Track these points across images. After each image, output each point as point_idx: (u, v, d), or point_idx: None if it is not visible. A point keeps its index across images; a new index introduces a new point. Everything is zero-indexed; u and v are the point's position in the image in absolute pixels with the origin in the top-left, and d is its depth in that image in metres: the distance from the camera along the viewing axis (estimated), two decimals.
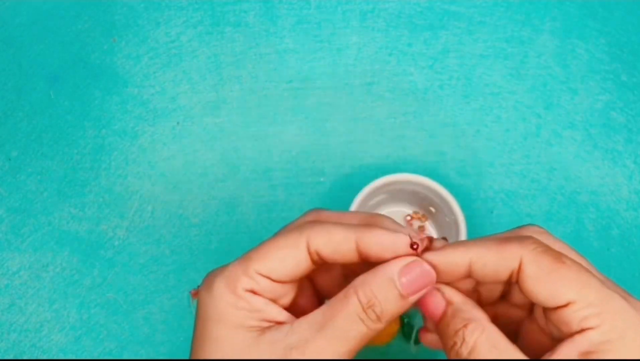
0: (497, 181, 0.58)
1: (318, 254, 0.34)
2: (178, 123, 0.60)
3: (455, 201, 0.51)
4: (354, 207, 0.51)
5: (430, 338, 0.37)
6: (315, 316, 0.33)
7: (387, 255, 0.33)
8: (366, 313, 0.33)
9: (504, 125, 0.59)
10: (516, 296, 0.37)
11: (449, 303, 0.34)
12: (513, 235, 0.35)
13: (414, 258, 0.34)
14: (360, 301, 0.33)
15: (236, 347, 0.33)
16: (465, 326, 0.33)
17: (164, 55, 0.62)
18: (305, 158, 0.59)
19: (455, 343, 0.33)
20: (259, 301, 0.34)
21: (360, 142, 0.59)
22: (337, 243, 0.34)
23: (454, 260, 0.34)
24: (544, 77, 0.60)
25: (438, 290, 0.34)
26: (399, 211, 0.56)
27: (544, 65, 0.61)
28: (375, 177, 0.54)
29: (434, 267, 0.34)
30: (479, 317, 0.33)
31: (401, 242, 0.34)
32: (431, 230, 0.55)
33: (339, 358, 0.32)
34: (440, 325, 0.34)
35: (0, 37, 0.62)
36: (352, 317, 0.33)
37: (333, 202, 0.58)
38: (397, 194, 0.54)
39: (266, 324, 0.34)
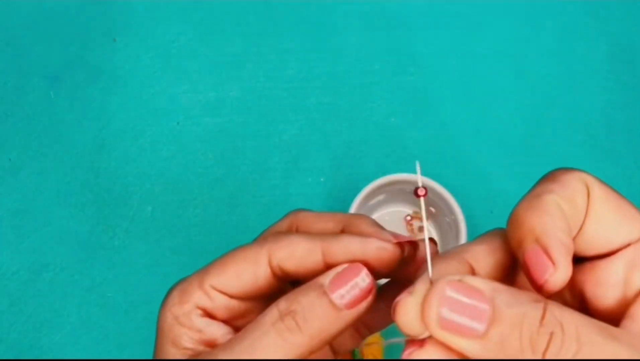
0: (497, 181, 0.58)
1: (281, 269, 0.30)
2: (178, 123, 0.60)
3: (455, 201, 0.51)
4: (354, 206, 0.51)
5: None
6: (233, 339, 0.29)
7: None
8: (283, 321, 0.27)
9: (504, 124, 0.59)
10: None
11: (492, 298, 0.24)
12: (547, 175, 0.28)
13: (357, 264, 0.28)
14: (278, 310, 0.28)
15: None
16: (544, 310, 0.23)
17: (164, 55, 0.62)
18: (305, 158, 0.59)
19: (545, 353, 0.23)
20: (200, 321, 0.30)
21: (360, 142, 0.59)
22: (300, 256, 0.29)
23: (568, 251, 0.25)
24: (545, 76, 0.60)
25: (459, 286, 0.24)
26: (399, 211, 0.56)
27: (544, 64, 0.61)
28: (375, 177, 0.54)
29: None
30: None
31: (371, 248, 0.29)
32: (431, 231, 0.55)
33: None
34: (489, 337, 0.24)
35: (1, 37, 0.62)
36: (265, 330, 0.27)
37: (333, 201, 0.58)
38: (397, 194, 0.54)
39: (201, 348, 0.30)
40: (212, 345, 0.30)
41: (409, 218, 0.55)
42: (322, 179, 0.58)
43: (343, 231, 0.32)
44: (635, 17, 0.62)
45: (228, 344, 0.28)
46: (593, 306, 0.27)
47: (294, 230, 0.33)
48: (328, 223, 0.32)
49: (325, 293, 0.27)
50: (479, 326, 0.23)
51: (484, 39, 0.61)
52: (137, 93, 0.61)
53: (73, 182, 0.58)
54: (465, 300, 0.24)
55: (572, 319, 0.23)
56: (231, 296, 0.30)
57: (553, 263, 0.24)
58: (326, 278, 0.28)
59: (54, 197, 0.58)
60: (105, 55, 0.62)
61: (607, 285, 0.26)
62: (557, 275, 0.24)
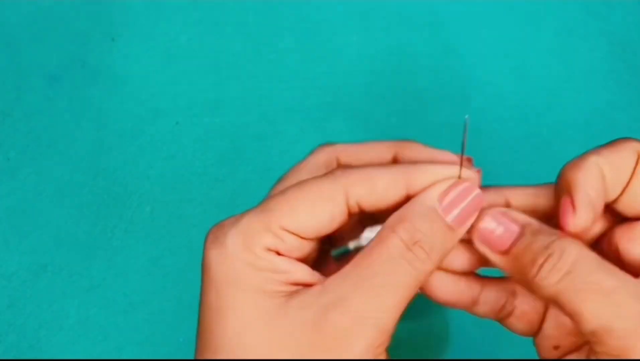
0: (498, 181, 0.58)
1: (359, 205, 0.29)
2: (177, 123, 0.60)
3: None
4: None
5: (446, 286, 0.30)
6: (350, 270, 0.27)
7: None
8: (413, 252, 0.27)
9: (505, 124, 0.59)
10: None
11: (524, 226, 0.29)
12: (609, 142, 0.31)
13: (453, 180, 0.29)
14: (402, 240, 0.27)
15: (260, 317, 0.27)
16: (555, 240, 0.28)
17: (163, 54, 0.62)
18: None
19: (540, 267, 0.27)
20: (283, 262, 0.28)
21: (360, 142, 0.59)
22: (383, 190, 0.28)
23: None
24: (546, 76, 0.60)
25: (502, 213, 0.29)
26: None
27: (545, 64, 0.61)
28: None
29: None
30: (569, 236, 0.28)
31: (459, 174, 0.30)
32: None
33: (387, 313, 0.26)
34: (511, 254, 0.28)
35: None
36: (395, 261, 0.27)
37: None
38: None
39: (293, 288, 0.27)
40: (299, 284, 0.28)
41: None
42: None
43: (396, 159, 0.32)
44: (636, 16, 0.62)
45: (358, 278, 0.26)
46: (624, 261, 0.29)
47: (335, 165, 0.32)
48: (378, 152, 0.32)
49: (440, 217, 0.28)
50: (505, 244, 0.28)
51: (484, 38, 0.62)
52: (137, 93, 0.61)
53: (72, 182, 0.58)
54: (500, 222, 0.29)
55: (576, 250, 0.27)
56: (303, 238, 0.29)
57: (574, 209, 0.28)
58: (433, 195, 0.29)
59: (52, 197, 0.58)
60: (105, 55, 0.62)
61: (637, 240, 0.29)
62: (575, 220, 0.28)
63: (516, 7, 0.62)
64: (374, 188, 0.28)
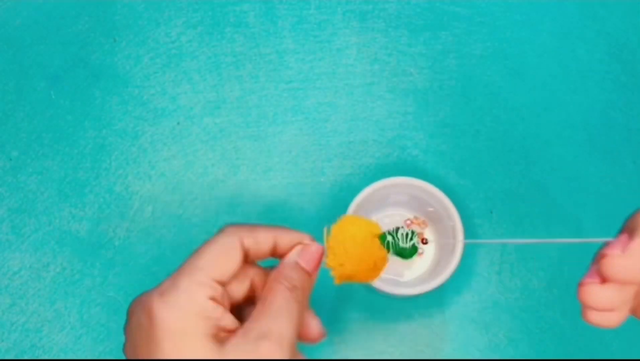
0: (497, 181, 0.58)
1: (247, 252, 0.39)
2: (178, 123, 0.60)
3: (454, 208, 0.51)
4: (353, 207, 0.51)
5: None
6: (259, 312, 0.37)
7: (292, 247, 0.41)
8: (294, 292, 0.38)
9: (504, 125, 0.59)
10: None
11: None
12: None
13: (305, 244, 0.41)
14: (286, 286, 0.38)
15: (209, 355, 0.34)
16: None
17: (164, 55, 0.62)
18: (305, 158, 0.59)
19: None
20: (218, 310, 0.36)
21: (360, 142, 0.59)
22: (261, 241, 0.39)
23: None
24: (544, 77, 0.60)
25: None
26: (398, 214, 0.55)
27: (543, 65, 0.61)
28: (375, 177, 0.54)
29: None
30: None
31: (306, 236, 0.42)
32: (430, 236, 0.55)
33: (293, 331, 0.37)
34: None
35: (1, 37, 0.62)
36: (287, 298, 0.38)
37: (333, 202, 0.58)
38: (397, 197, 0.54)
39: (223, 334, 0.36)
40: (226, 330, 0.36)
41: (408, 222, 0.55)
42: (322, 179, 0.59)
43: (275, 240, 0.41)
44: (634, 17, 0.62)
45: (270, 315, 0.37)
46: None
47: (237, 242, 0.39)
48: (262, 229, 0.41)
49: (302, 268, 0.40)
50: None
51: (483, 39, 0.62)
52: (138, 93, 0.61)
53: (74, 181, 0.59)
54: None
55: None
56: (224, 284, 0.37)
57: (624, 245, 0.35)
58: (295, 257, 0.41)
59: (54, 197, 0.58)
60: (106, 56, 0.62)
61: None
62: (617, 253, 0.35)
63: (515, 8, 0.62)
64: (257, 239, 0.39)
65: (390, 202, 0.55)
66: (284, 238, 0.41)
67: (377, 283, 0.50)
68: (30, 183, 0.58)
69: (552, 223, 0.57)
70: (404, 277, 0.54)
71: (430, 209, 0.54)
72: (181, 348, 0.34)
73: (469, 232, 0.55)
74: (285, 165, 0.59)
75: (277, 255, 0.41)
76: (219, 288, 0.37)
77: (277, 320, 0.37)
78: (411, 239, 0.44)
